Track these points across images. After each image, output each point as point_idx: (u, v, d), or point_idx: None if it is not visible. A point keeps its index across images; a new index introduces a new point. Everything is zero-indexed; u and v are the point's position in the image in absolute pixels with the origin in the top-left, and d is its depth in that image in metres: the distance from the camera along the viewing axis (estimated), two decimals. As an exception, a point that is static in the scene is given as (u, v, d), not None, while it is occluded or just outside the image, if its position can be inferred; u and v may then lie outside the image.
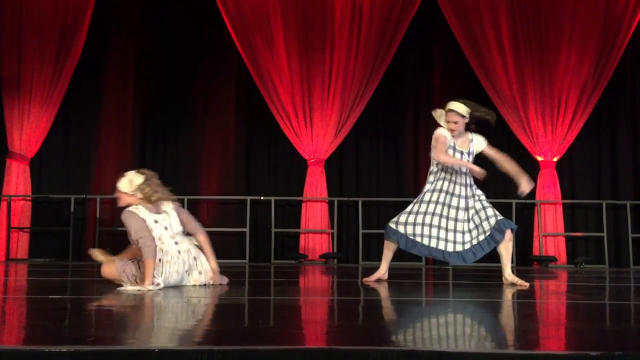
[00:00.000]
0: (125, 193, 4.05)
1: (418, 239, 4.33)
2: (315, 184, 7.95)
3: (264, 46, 8.01)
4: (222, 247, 8.29)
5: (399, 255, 8.42)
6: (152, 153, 8.32)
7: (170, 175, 8.31)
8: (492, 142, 9.07)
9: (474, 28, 7.98)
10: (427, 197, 4.37)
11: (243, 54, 8.04)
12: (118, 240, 8.14)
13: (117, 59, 8.28)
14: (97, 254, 4.33)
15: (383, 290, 3.96)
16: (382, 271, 4.50)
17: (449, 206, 4.34)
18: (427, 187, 4.41)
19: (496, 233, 4.24)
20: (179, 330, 2.16)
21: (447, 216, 4.31)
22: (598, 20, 7.96)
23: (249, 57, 8.03)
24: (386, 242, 4.50)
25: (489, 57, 7.97)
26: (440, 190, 4.35)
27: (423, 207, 4.34)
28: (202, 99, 8.32)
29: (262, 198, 8.05)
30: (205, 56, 8.29)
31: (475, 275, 5.34)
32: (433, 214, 4.32)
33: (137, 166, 8.22)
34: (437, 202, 4.34)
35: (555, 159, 8.01)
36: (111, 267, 4.06)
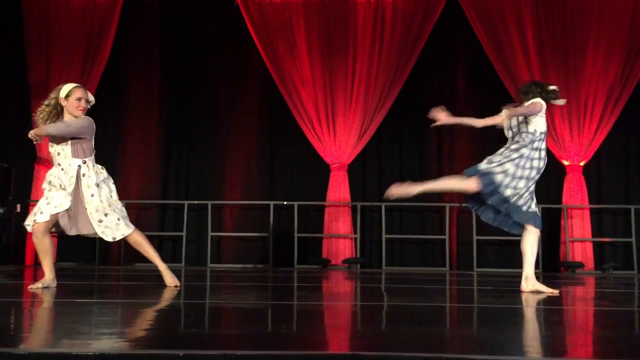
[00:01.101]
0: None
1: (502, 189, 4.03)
2: (338, 189, 7.95)
3: (286, 51, 8.05)
4: (245, 252, 8.37)
5: (423, 260, 8.37)
6: (176, 158, 8.42)
7: (194, 180, 8.40)
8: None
9: (498, 31, 7.92)
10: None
11: (266, 60, 8.08)
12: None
13: (143, 65, 8.40)
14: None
15: (407, 296, 3.94)
16: None
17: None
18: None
19: None
20: (203, 334, 2.18)
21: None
22: (625, 23, 7.83)
23: (272, 63, 8.07)
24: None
25: (514, 60, 7.90)
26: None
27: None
28: (226, 103, 8.39)
29: (285, 203, 8.07)
30: (228, 62, 8.37)
31: (500, 282, 5.28)
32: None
33: (162, 171, 8.41)
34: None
35: (582, 163, 7.90)
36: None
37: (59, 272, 4.10)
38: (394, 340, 2.09)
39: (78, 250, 7.99)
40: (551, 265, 7.78)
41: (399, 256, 7.97)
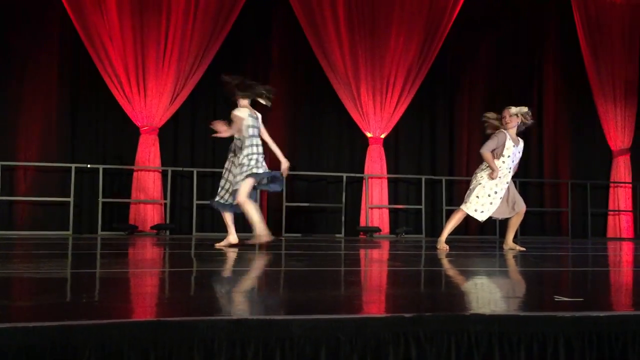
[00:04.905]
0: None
1: None
2: (148, 153, 7.67)
3: (93, 4, 7.49)
4: (42, 218, 7.73)
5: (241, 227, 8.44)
6: (-42, 113, 7.45)
7: (-19, 138, 7.51)
8: (326, 118, 9.31)
9: (313, 9, 8.17)
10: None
11: (70, 11, 7.44)
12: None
13: None
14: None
15: (216, 262, 3.96)
16: None
17: None
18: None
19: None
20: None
21: None
22: (424, 8, 8.56)
23: (77, 16, 7.47)
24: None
25: (326, 34, 8.22)
26: None
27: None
28: (21, 56, 7.59)
29: (88, 166, 7.60)
30: (27, 11, 7.56)
31: (307, 246, 5.53)
32: None
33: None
34: None
35: (382, 136, 8.53)
36: None
37: None
38: (201, 305, 2.10)
39: None
40: (352, 230, 8.36)
41: (209, 222, 7.96)
